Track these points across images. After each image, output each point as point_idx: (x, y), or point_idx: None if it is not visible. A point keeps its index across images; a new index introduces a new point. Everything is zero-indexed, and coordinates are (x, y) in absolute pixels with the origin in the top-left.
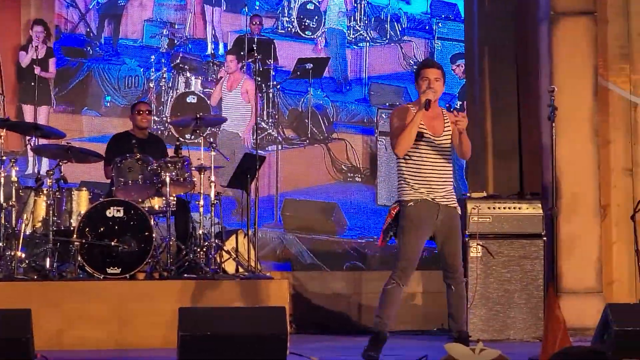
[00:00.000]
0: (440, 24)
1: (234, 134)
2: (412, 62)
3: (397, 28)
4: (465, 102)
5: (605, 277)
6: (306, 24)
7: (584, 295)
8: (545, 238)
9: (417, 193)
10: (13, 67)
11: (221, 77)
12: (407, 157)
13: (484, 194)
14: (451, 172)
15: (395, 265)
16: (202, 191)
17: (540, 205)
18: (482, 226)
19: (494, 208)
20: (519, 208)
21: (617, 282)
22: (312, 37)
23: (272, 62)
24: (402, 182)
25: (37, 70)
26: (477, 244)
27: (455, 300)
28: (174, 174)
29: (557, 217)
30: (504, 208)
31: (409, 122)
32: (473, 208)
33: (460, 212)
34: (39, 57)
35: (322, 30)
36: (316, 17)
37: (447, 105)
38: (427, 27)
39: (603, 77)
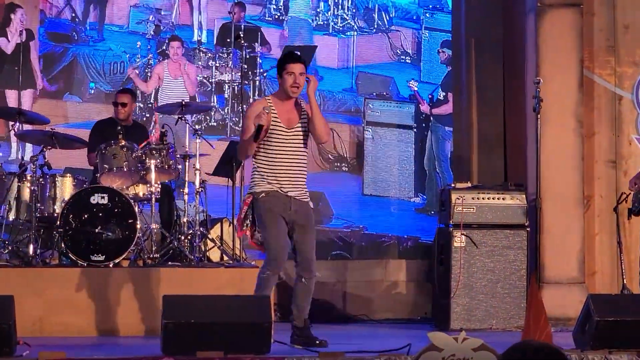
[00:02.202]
0: (428, 14)
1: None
2: (400, 52)
3: (384, 18)
4: (449, 93)
5: (588, 268)
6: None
7: (567, 286)
8: (528, 229)
9: (267, 185)
10: None
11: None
12: (260, 149)
13: (469, 184)
14: (305, 165)
15: (266, 256)
16: (187, 179)
17: (524, 196)
18: (466, 216)
19: (478, 198)
20: (503, 199)
21: (599, 273)
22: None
23: (259, 50)
24: (255, 173)
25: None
26: (461, 234)
27: (304, 292)
28: (158, 161)
29: (541, 208)
30: (488, 198)
31: (247, 137)
32: (457, 198)
33: (312, 206)
34: (22, 41)
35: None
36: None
37: (430, 95)
38: (414, 17)
39: (588, 69)
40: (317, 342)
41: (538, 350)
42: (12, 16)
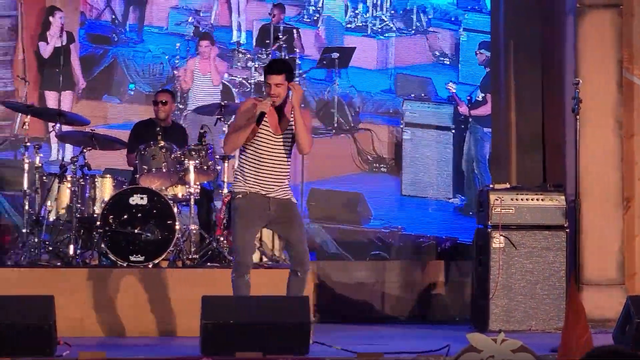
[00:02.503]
0: (466, 15)
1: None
2: (438, 54)
3: (423, 19)
4: (487, 94)
5: (627, 270)
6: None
7: (606, 287)
8: (567, 230)
9: (247, 186)
10: (35, 54)
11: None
12: (244, 150)
13: (507, 185)
14: (288, 169)
15: (233, 258)
16: (225, 180)
17: (563, 197)
18: (504, 217)
19: (516, 199)
20: (542, 199)
21: (639, 275)
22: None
23: (297, 51)
24: (237, 173)
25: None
26: (500, 235)
27: (298, 286)
28: (197, 162)
29: (580, 209)
30: (527, 199)
31: (242, 126)
32: (496, 199)
33: (295, 202)
34: (63, 44)
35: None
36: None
37: (468, 97)
38: (453, 18)
39: (628, 70)
40: None
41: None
42: (52, 19)
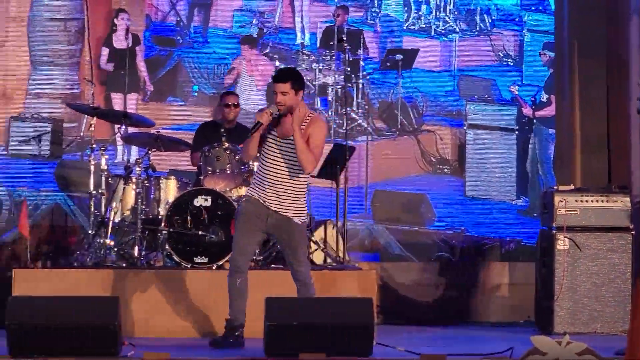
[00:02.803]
0: (530, 16)
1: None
2: (502, 54)
3: (486, 20)
4: (552, 95)
5: None
6: None
7: None
8: (633, 232)
9: (252, 190)
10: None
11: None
12: (260, 155)
13: (572, 186)
14: (296, 179)
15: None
16: None
17: (628, 198)
18: (569, 219)
19: (581, 201)
20: (607, 201)
21: None
22: (402, 28)
23: (361, 53)
24: (253, 176)
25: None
26: (565, 237)
27: (303, 295)
28: None
29: None
30: (592, 201)
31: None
32: (560, 201)
33: (299, 222)
34: (129, 45)
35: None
36: (406, 8)
37: (532, 98)
38: (516, 19)
39: None
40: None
41: None
42: (116, 21)
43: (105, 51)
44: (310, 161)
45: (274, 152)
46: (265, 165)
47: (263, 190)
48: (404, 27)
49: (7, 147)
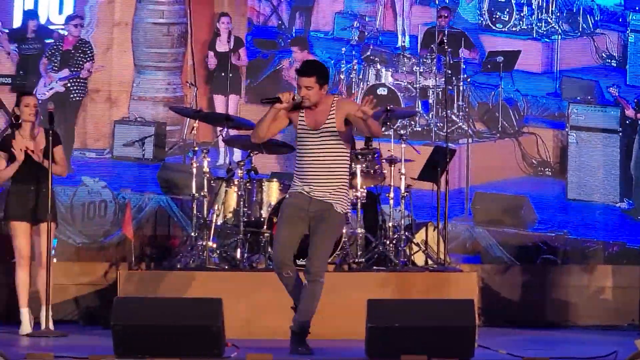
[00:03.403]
0: (634, 16)
1: None
2: (605, 55)
3: (589, 20)
4: None
5: None
6: (497, 16)
7: None
8: None
9: (295, 186)
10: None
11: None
12: (297, 151)
13: None
14: (340, 165)
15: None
16: (392, 183)
17: None
18: None
19: None
20: None
21: None
22: (504, 29)
23: (462, 55)
24: (294, 174)
25: (233, 58)
26: None
27: (306, 295)
28: (364, 165)
29: None
30: None
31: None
32: None
33: (340, 212)
34: (231, 48)
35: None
36: (507, 10)
37: (636, 100)
38: (620, 19)
39: None
40: (300, 349)
41: None
42: (218, 25)
43: (210, 54)
44: (378, 124)
45: (310, 144)
46: (304, 159)
47: (306, 183)
48: (505, 29)
49: (112, 150)
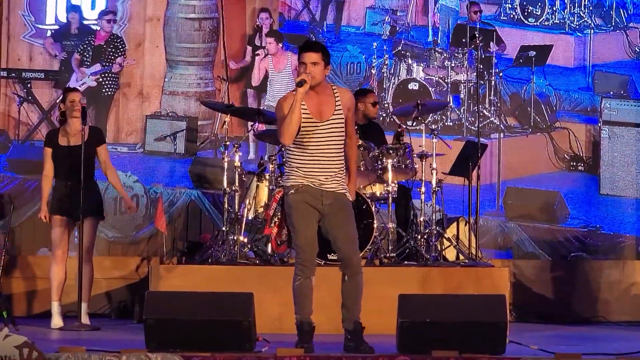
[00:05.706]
0: None
1: None
2: (638, 50)
3: (622, 14)
4: None
5: None
6: (529, 10)
7: None
8: None
9: (299, 178)
10: (241, 52)
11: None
12: (295, 141)
13: None
14: (341, 156)
15: (295, 259)
16: (423, 178)
17: None
18: None
19: None
20: None
21: None
22: (535, 23)
23: (494, 50)
24: (288, 167)
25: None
26: None
27: (351, 291)
28: (395, 160)
29: None
30: None
31: (290, 108)
32: None
33: (350, 200)
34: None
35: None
36: (539, 4)
37: None
38: None
39: None
40: (362, 347)
41: None
42: (259, 20)
43: (248, 49)
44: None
45: (317, 135)
46: (308, 150)
47: (313, 175)
48: (537, 23)
49: (144, 144)
